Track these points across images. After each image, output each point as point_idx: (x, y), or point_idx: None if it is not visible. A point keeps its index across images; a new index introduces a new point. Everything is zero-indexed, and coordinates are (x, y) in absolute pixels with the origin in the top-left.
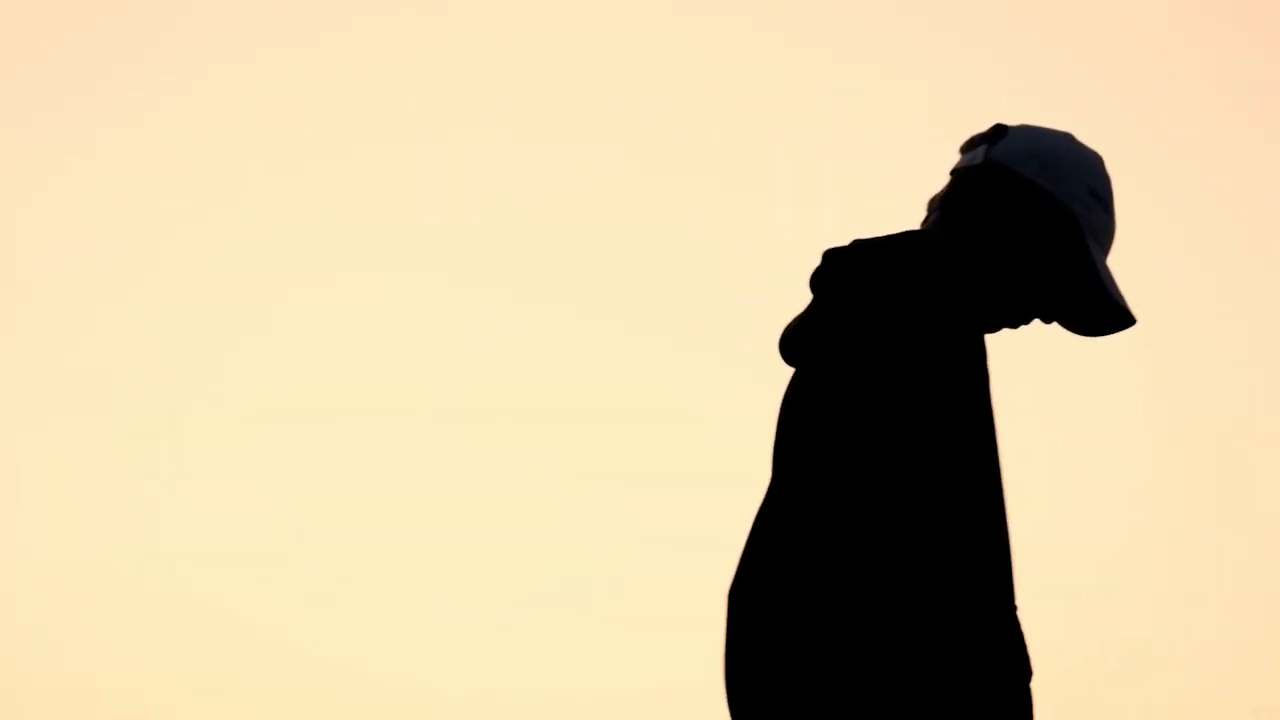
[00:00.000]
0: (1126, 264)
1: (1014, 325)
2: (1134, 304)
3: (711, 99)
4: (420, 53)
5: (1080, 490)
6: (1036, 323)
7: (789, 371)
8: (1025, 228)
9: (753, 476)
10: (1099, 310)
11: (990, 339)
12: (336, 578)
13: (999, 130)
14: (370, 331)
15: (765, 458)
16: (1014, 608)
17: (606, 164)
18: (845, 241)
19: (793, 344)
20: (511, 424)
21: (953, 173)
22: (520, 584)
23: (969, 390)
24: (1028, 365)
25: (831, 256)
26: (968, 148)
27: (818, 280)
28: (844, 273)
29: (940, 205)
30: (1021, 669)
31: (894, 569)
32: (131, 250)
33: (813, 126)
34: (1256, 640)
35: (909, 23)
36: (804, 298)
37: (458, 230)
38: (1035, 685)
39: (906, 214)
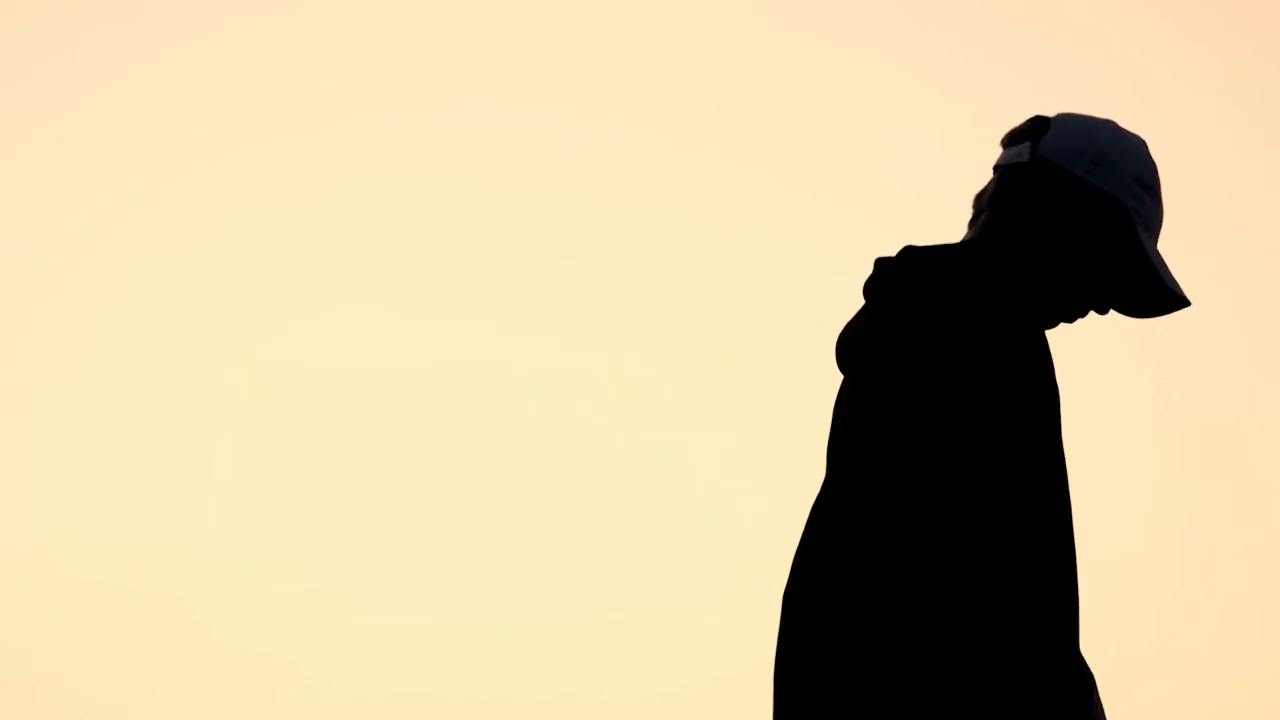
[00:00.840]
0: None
1: (1070, 320)
2: (1187, 287)
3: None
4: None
5: (1092, 488)
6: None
7: (830, 375)
8: (1079, 226)
9: (805, 476)
10: (1154, 297)
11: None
12: (319, 578)
13: (1040, 123)
14: (323, 316)
15: (812, 459)
16: (1077, 636)
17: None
18: (896, 248)
19: (849, 351)
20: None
21: (997, 168)
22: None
23: (1034, 396)
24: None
25: (884, 264)
26: (1009, 142)
27: (872, 287)
28: (899, 279)
29: (990, 204)
30: (1085, 693)
31: (954, 582)
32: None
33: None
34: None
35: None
36: (853, 301)
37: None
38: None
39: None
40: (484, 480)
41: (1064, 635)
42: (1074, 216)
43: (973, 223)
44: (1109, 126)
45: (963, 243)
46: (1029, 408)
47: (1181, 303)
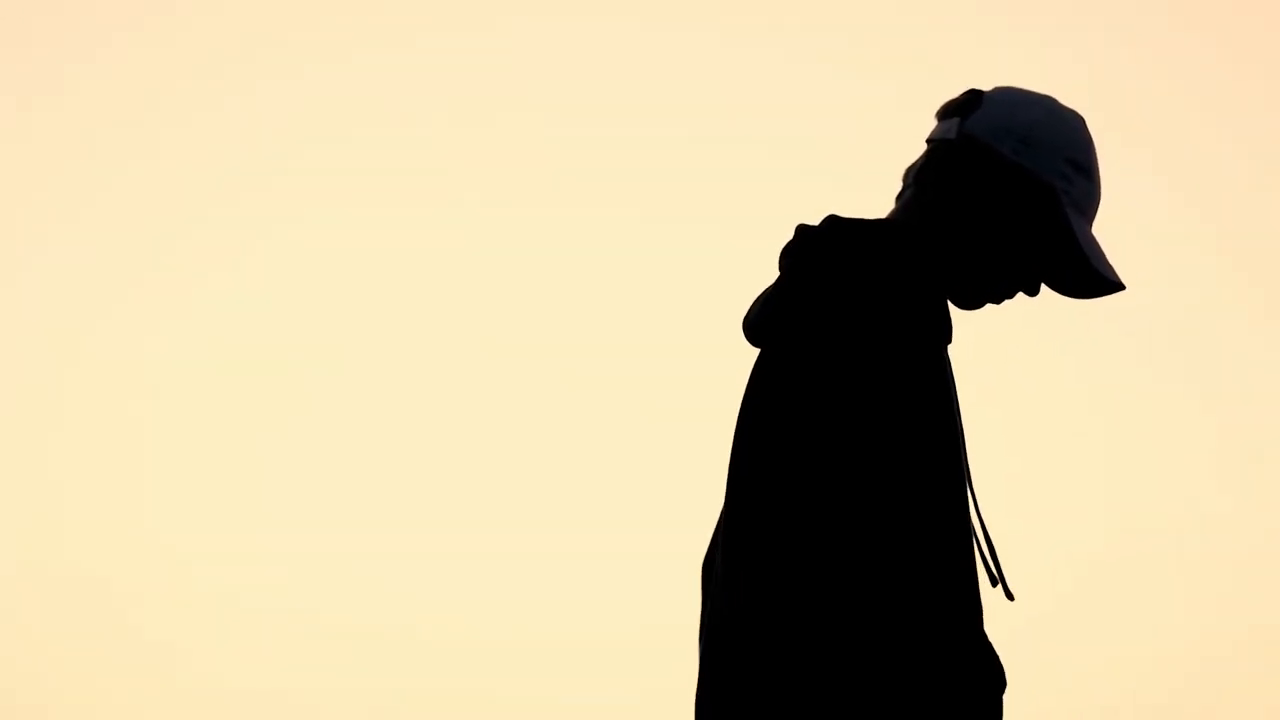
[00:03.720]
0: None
1: (997, 300)
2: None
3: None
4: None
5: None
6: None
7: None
8: (1004, 207)
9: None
10: (1085, 280)
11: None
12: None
13: (973, 97)
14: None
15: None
16: (980, 611)
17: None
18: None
19: (757, 323)
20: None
21: (928, 142)
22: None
23: (933, 388)
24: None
25: (804, 232)
26: (942, 115)
27: (787, 256)
28: (815, 251)
29: (915, 179)
30: (994, 678)
31: (850, 570)
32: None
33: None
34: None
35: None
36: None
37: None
38: (1008, 696)
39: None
40: (444, 476)
41: (969, 618)
42: (999, 197)
43: (899, 197)
44: (1042, 103)
45: (886, 218)
46: (930, 395)
47: (1115, 287)
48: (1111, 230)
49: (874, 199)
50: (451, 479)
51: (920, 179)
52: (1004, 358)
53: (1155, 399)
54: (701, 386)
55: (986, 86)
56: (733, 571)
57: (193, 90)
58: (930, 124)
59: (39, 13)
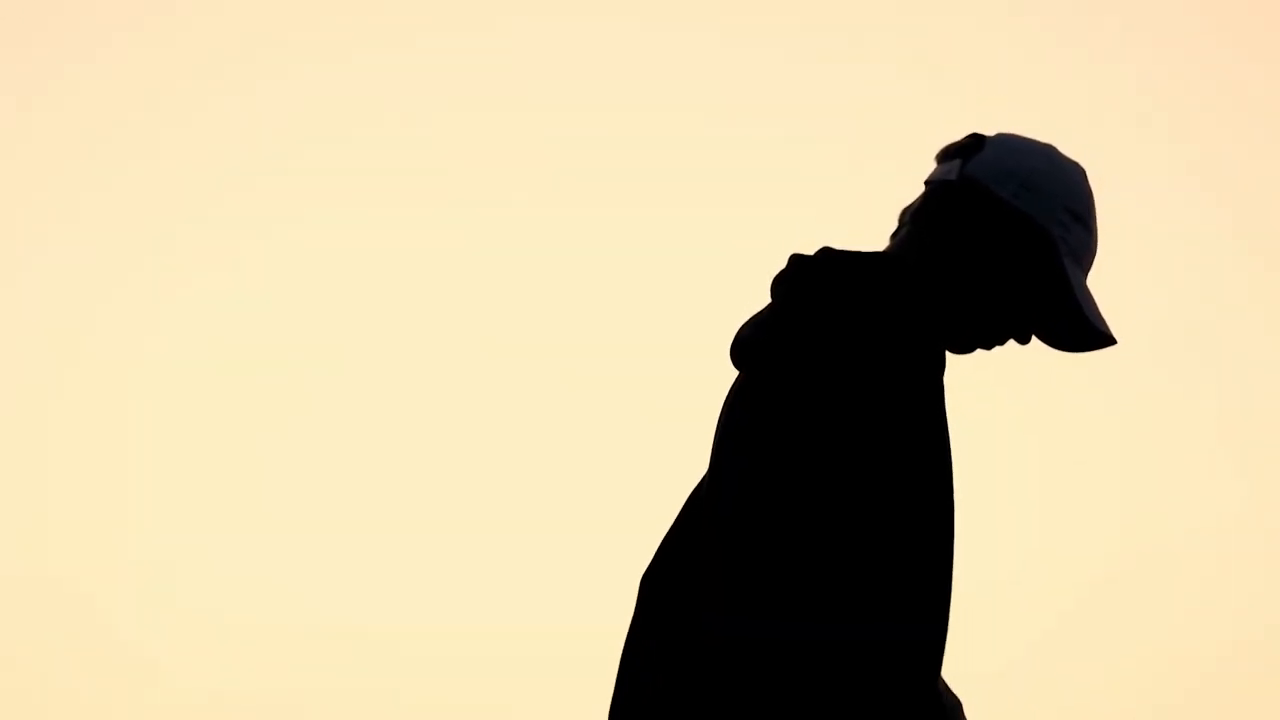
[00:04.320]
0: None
1: (988, 346)
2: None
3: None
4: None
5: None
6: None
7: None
8: (1000, 251)
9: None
10: (1076, 332)
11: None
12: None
13: (975, 141)
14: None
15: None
16: (939, 666)
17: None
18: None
19: (745, 349)
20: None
21: (927, 183)
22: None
23: (920, 426)
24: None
25: (798, 263)
26: (943, 157)
27: (780, 286)
28: (808, 283)
29: (912, 219)
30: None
31: (811, 599)
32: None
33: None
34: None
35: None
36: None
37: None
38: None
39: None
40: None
41: (927, 668)
42: (996, 240)
43: (894, 236)
44: (1045, 152)
45: (881, 254)
46: (914, 439)
47: (1106, 340)
48: (1126, 225)
49: (872, 198)
50: (449, 480)
51: (917, 219)
52: (1016, 360)
53: (1168, 400)
54: (703, 387)
55: (988, 84)
56: (711, 592)
57: (190, 90)
58: (929, 124)
59: (36, 12)
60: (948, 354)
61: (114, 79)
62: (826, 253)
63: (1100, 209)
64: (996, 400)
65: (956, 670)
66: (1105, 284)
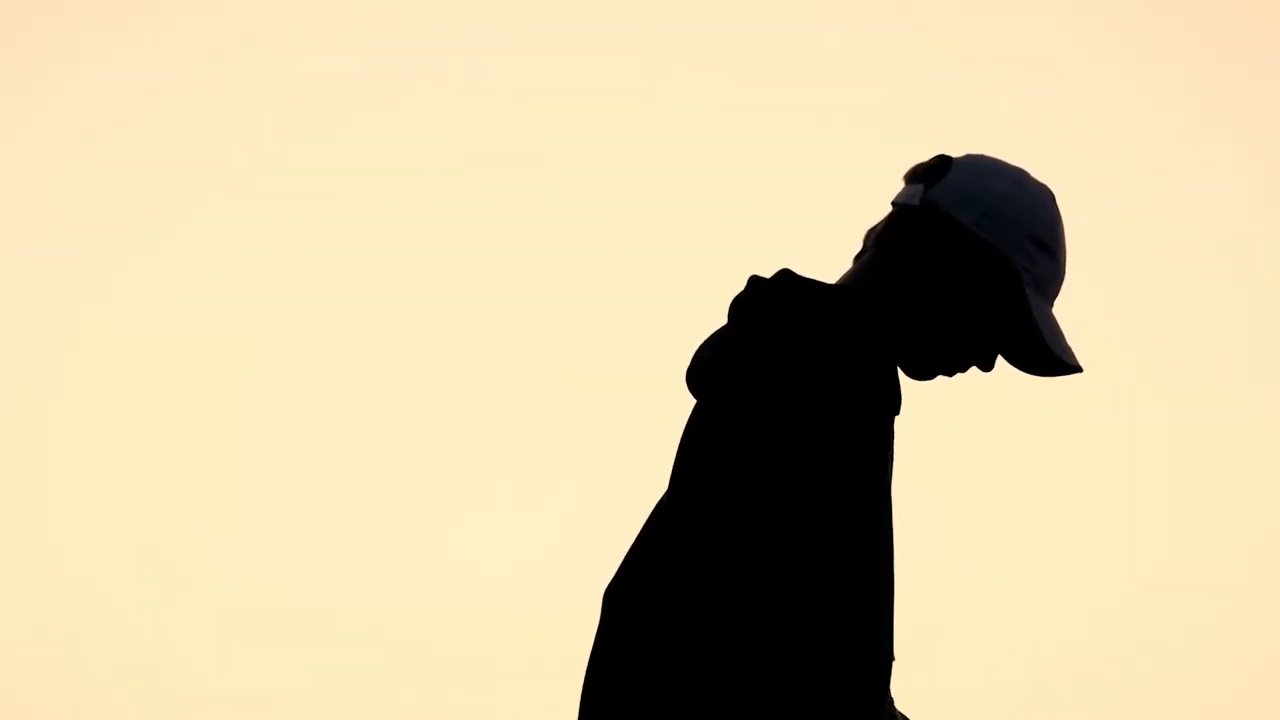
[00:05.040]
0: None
1: (949, 373)
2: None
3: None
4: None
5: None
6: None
7: None
8: (959, 279)
9: None
10: (1039, 360)
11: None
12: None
13: (941, 163)
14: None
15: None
16: (883, 694)
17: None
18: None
19: (700, 375)
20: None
21: (893, 204)
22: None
23: (870, 458)
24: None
25: (758, 286)
26: (910, 178)
27: (737, 309)
28: (763, 309)
29: (875, 243)
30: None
31: (758, 633)
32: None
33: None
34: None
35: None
36: None
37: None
38: None
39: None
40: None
41: (870, 697)
42: (957, 269)
43: (858, 258)
44: (1011, 176)
45: (841, 279)
46: (866, 465)
47: (1070, 369)
48: (1175, 228)
49: (874, 197)
50: (448, 482)
51: (880, 242)
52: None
53: (1218, 410)
54: None
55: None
56: (668, 614)
57: (182, 90)
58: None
59: (34, 12)
60: (918, 379)
61: (106, 78)
62: (785, 276)
63: (1151, 209)
64: (1038, 404)
65: (997, 676)
66: (1152, 289)
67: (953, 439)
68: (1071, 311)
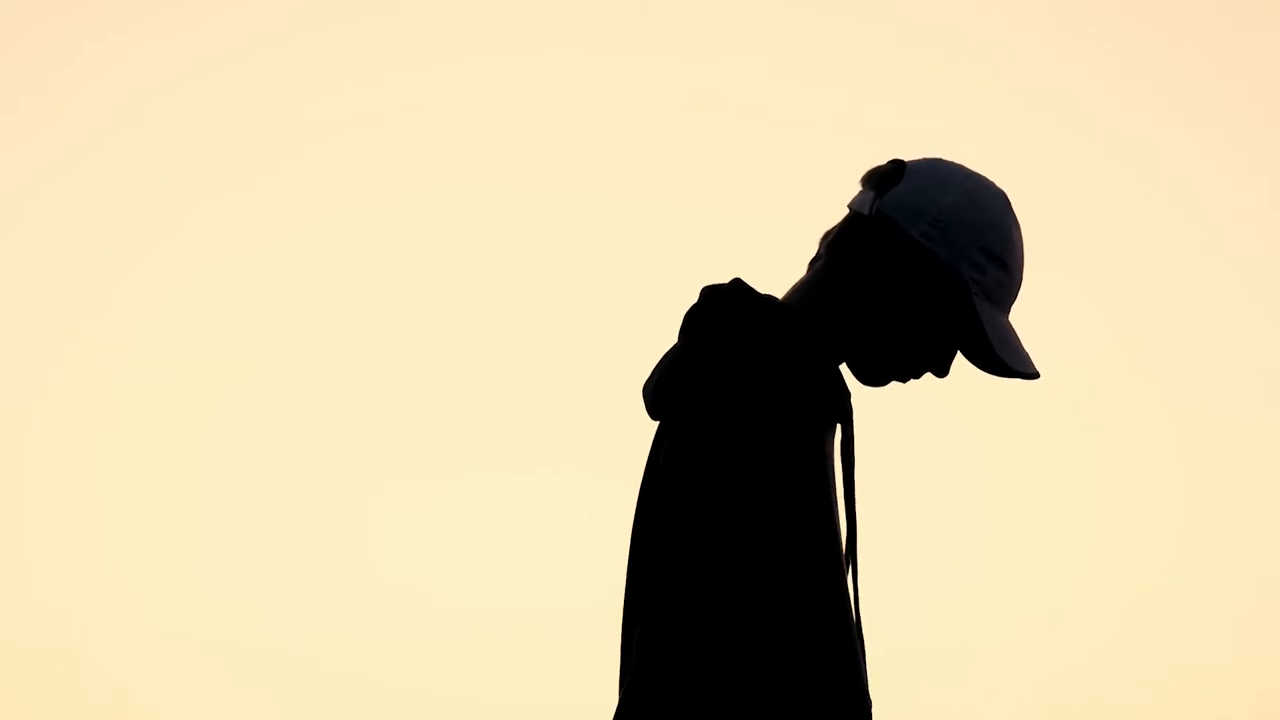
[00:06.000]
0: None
1: (903, 379)
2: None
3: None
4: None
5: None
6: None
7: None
8: (909, 290)
9: None
10: (991, 367)
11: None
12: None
13: (895, 170)
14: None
15: None
16: (865, 689)
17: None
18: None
19: (655, 397)
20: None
21: (849, 207)
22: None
23: (806, 466)
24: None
25: (711, 297)
26: (865, 182)
27: (688, 322)
28: (712, 324)
29: (827, 249)
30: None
31: (730, 641)
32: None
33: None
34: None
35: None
36: None
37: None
38: None
39: None
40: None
41: (843, 684)
42: (906, 280)
43: (812, 264)
44: (964, 185)
45: (794, 286)
46: (803, 473)
47: (1025, 377)
48: (1188, 242)
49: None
50: (451, 488)
51: (832, 249)
52: (1077, 373)
53: (1236, 430)
54: None
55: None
56: (637, 636)
57: (177, 93)
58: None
59: (31, 13)
60: (870, 385)
61: (102, 80)
62: (736, 286)
63: (1171, 221)
64: (1052, 415)
65: (1024, 681)
66: (1173, 303)
67: (969, 448)
68: (1108, 324)
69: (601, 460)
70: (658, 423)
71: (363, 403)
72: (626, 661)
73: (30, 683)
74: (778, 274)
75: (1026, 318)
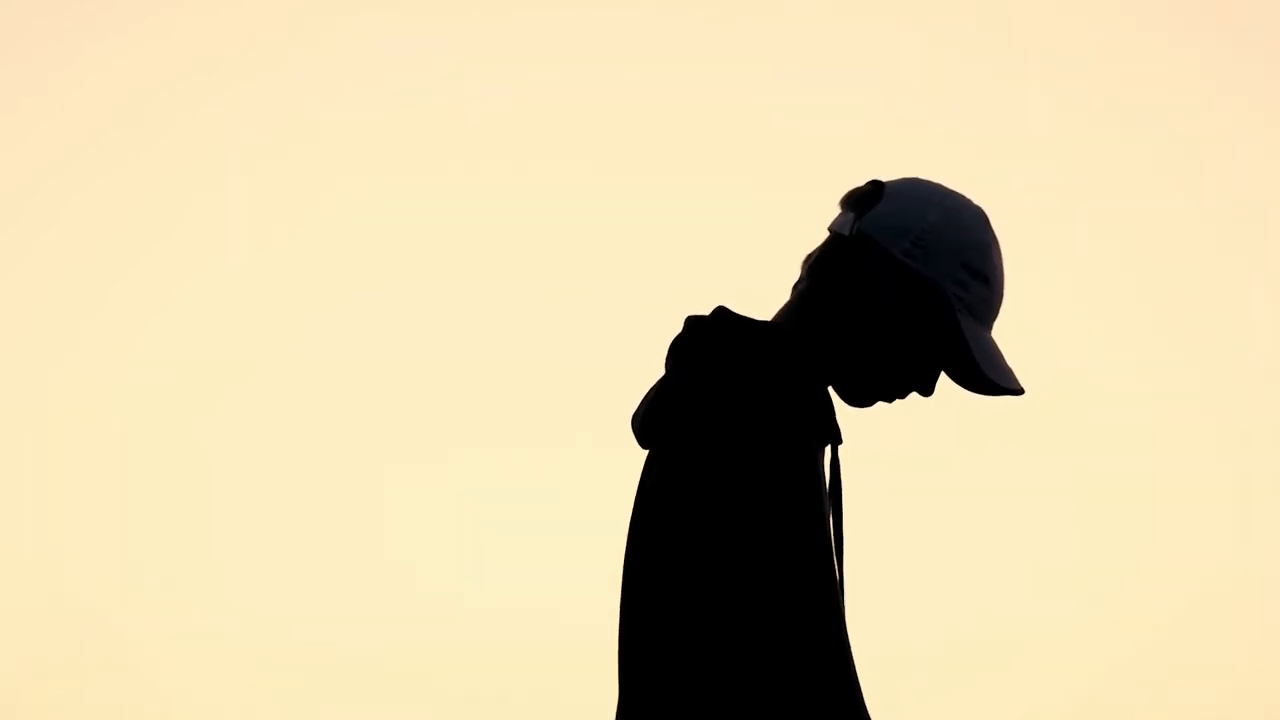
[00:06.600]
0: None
1: (889, 399)
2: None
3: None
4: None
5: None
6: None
7: None
8: (891, 309)
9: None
10: (978, 384)
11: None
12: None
13: (874, 191)
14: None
15: None
16: (859, 696)
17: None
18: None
19: (644, 428)
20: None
21: (829, 230)
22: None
23: (800, 489)
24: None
25: (693, 327)
26: (844, 204)
27: (674, 352)
28: (698, 352)
29: (809, 272)
30: None
31: (729, 666)
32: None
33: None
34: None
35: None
36: None
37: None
38: None
39: None
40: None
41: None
42: (891, 300)
43: (796, 286)
44: (943, 204)
45: (778, 311)
46: (797, 497)
47: (1011, 393)
48: (1229, 243)
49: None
50: (463, 491)
51: (814, 272)
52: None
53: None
54: None
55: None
56: (630, 670)
57: (177, 93)
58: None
59: (31, 13)
60: (856, 406)
61: (98, 84)
62: (720, 314)
63: (1215, 223)
64: (1096, 417)
65: (1059, 684)
66: (1226, 299)
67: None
68: (1128, 329)
69: (616, 456)
70: (647, 451)
71: (373, 399)
72: (625, 683)
73: (13, 683)
74: (768, 272)
75: (1104, 312)
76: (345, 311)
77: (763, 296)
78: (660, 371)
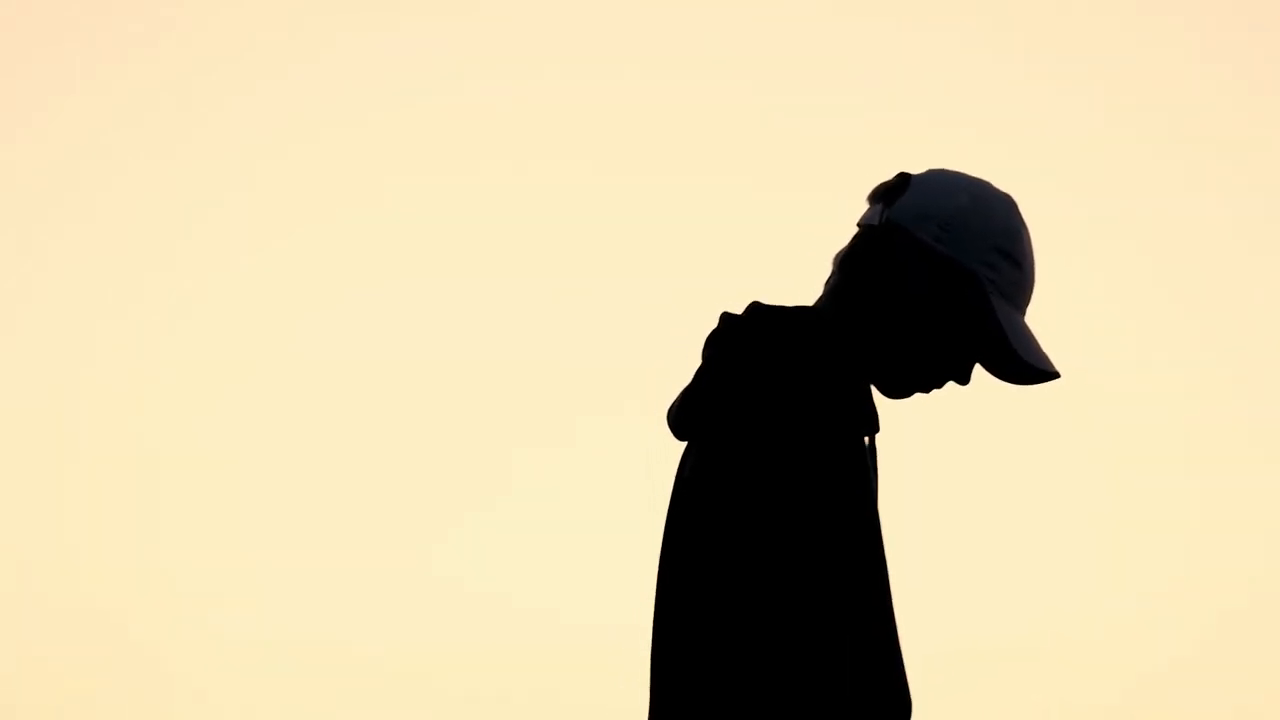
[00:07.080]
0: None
1: (926, 390)
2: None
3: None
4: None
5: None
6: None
7: None
8: (925, 295)
9: None
10: (1014, 370)
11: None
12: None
13: (901, 182)
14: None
15: None
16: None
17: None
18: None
19: (680, 420)
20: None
21: (858, 225)
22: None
23: (847, 478)
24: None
25: (730, 322)
26: (872, 198)
27: (710, 346)
28: (735, 344)
29: (840, 266)
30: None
31: (773, 657)
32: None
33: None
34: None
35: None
36: None
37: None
38: None
39: None
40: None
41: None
42: (922, 286)
43: (828, 283)
44: (970, 189)
45: (811, 306)
46: (845, 486)
47: (1047, 376)
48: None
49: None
50: (477, 490)
51: (845, 266)
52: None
53: None
54: None
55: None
56: (669, 660)
57: (178, 95)
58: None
59: (31, 13)
60: (894, 398)
61: (97, 89)
62: (755, 309)
63: (1247, 223)
64: (1140, 409)
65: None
66: (1258, 287)
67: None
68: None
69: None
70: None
71: (373, 400)
72: (663, 676)
73: (31, 683)
74: (797, 263)
75: (1166, 299)
76: (345, 312)
77: (763, 296)
78: (660, 371)
